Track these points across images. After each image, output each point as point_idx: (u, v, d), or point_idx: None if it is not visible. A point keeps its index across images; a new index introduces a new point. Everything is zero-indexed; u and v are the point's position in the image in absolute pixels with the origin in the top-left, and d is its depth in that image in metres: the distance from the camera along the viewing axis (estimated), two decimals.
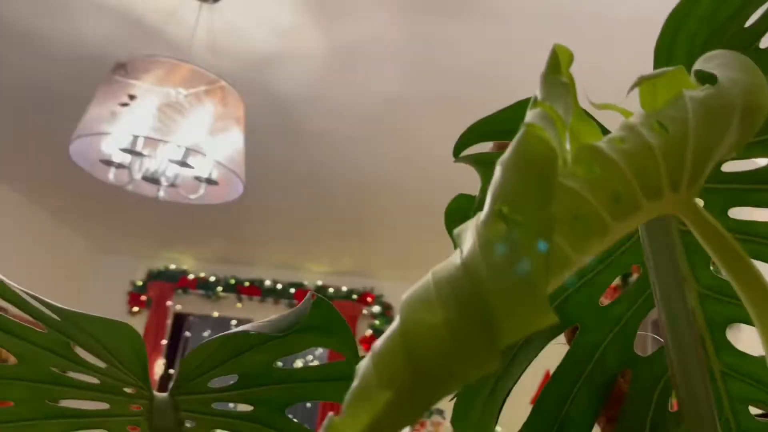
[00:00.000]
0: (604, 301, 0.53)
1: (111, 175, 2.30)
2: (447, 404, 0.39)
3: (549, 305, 0.22)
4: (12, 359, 0.49)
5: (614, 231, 0.27)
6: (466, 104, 2.90)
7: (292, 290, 5.62)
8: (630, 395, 0.51)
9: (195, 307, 5.80)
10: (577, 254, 0.27)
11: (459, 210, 0.53)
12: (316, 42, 2.70)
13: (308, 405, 5.61)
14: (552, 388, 0.53)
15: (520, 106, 0.48)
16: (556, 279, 0.26)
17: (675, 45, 0.45)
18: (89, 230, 5.34)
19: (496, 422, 0.52)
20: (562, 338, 0.56)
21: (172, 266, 5.75)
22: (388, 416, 0.23)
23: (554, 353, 0.56)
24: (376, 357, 0.24)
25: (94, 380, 0.50)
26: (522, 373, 0.52)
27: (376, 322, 5.53)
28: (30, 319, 0.45)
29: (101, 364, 0.48)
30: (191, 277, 5.71)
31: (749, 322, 0.37)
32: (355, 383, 0.23)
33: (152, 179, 2.27)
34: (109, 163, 2.24)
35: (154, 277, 5.72)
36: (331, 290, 5.56)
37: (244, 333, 0.47)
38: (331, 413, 0.23)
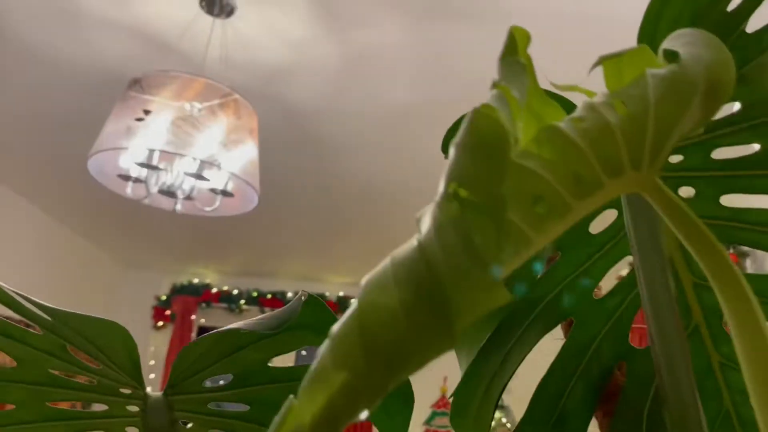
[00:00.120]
0: (599, 293, 0.53)
1: (129, 189, 2.33)
2: None
3: (502, 284, 0.22)
4: (11, 362, 0.50)
5: (576, 210, 0.27)
6: None
7: None
8: (626, 387, 0.51)
9: (219, 320, 5.83)
10: (538, 235, 0.27)
11: None
12: (328, 52, 2.72)
13: None
14: (549, 381, 0.52)
15: None
16: (517, 260, 0.26)
17: (657, 33, 0.45)
18: (113, 246, 5.40)
19: (492, 417, 0.52)
20: (559, 333, 0.56)
21: (196, 280, 5.80)
22: (344, 397, 0.23)
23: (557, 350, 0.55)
24: (333, 339, 0.24)
25: (92, 382, 0.51)
26: (516, 369, 0.52)
27: None
28: (25, 321, 0.46)
29: (96, 366, 0.48)
30: (214, 290, 5.74)
31: None
32: (312, 365, 0.23)
33: (169, 192, 2.29)
34: (126, 177, 2.27)
35: (177, 291, 5.77)
36: (353, 301, 5.55)
37: (236, 330, 0.47)
38: (291, 395, 0.23)
